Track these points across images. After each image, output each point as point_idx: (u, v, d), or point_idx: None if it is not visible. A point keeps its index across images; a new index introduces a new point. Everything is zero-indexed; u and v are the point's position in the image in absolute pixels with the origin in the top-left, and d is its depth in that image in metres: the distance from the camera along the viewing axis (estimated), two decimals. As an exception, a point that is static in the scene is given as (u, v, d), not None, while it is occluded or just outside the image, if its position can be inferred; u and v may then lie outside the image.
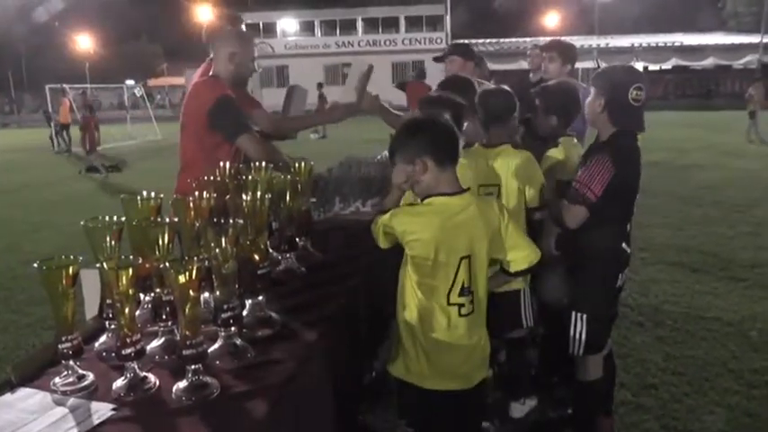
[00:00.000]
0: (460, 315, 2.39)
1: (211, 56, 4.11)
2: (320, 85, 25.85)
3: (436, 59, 5.08)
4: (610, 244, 3.06)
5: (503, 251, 2.44)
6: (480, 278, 2.42)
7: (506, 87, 3.49)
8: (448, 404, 2.49)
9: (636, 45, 40.41)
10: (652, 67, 41.04)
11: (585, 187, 2.87)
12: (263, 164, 2.62)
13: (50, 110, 22.78)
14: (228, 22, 4.18)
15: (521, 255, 2.46)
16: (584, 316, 3.09)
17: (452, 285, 2.37)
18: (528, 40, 42.52)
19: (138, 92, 33.65)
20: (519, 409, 3.69)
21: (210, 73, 3.61)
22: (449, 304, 2.38)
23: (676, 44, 40.41)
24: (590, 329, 3.09)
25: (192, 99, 3.53)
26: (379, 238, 2.53)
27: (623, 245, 3.11)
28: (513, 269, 2.49)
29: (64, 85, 25.27)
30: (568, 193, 2.95)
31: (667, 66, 40.84)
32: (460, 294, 2.38)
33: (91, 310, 2.31)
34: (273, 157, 3.41)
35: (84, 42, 52.69)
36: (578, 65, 5.32)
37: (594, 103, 3.02)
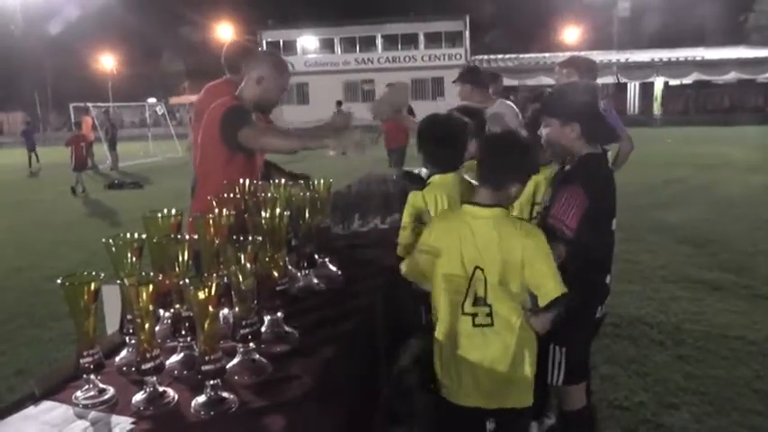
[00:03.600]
0: (474, 325, 2.41)
1: (227, 76, 4.22)
2: (339, 103, 25.99)
3: (455, 82, 5.27)
4: (590, 276, 2.86)
5: (520, 281, 2.39)
6: (497, 294, 2.40)
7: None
8: (476, 422, 2.50)
9: (656, 60, 40.20)
10: (672, 82, 40.80)
11: (561, 222, 2.66)
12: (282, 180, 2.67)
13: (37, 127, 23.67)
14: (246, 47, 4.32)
15: (544, 289, 2.38)
16: (564, 349, 2.91)
17: (466, 294, 2.41)
18: (547, 55, 42.57)
19: (160, 110, 34.02)
20: (537, 429, 3.67)
21: (236, 93, 3.55)
22: (463, 313, 2.43)
23: (697, 58, 40.10)
24: (569, 361, 2.92)
25: (208, 118, 3.54)
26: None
27: (603, 276, 2.98)
28: (540, 303, 2.41)
29: (87, 104, 25.68)
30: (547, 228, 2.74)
31: (688, 80, 40.54)
32: (474, 304, 2.41)
33: (112, 324, 2.33)
34: (278, 139, 3.39)
35: (107, 62, 53.54)
36: (598, 80, 5.32)
37: (566, 131, 2.80)
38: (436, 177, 2.91)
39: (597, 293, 2.97)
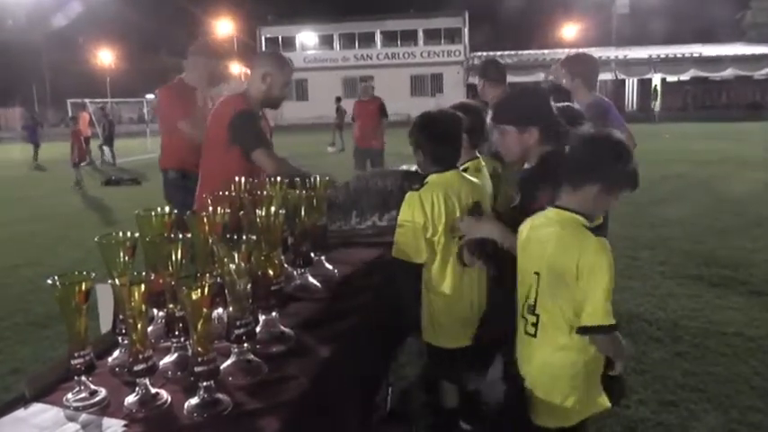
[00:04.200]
0: (525, 333, 2.38)
1: (183, 75, 4.54)
2: (338, 99, 25.96)
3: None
4: None
5: (574, 297, 2.23)
6: (546, 305, 2.31)
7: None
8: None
9: (654, 56, 40.19)
10: (670, 79, 40.86)
11: None
12: (278, 179, 2.65)
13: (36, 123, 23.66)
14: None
15: (585, 311, 2.21)
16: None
17: (526, 298, 2.39)
18: (546, 51, 42.54)
19: (158, 106, 33.92)
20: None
21: (242, 91, 3.75)
22: (522, 316, 2.42)
23: (695, 55, 40.14)
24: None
25: (214, 115, 3.69)
26: None
27: None
28: (581, 323, 2.24)
29: (85, 100, 25.63)
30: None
31: (685, 77, 40.57)
32: (527, 311, 2.38)
33: (106, 324, 2.31)
34: (288, 171, 3.52)
35: (105, 57, 53.38)
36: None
37: (524, 137, 2.69)
38: (434, 177, 2.88)
39: None
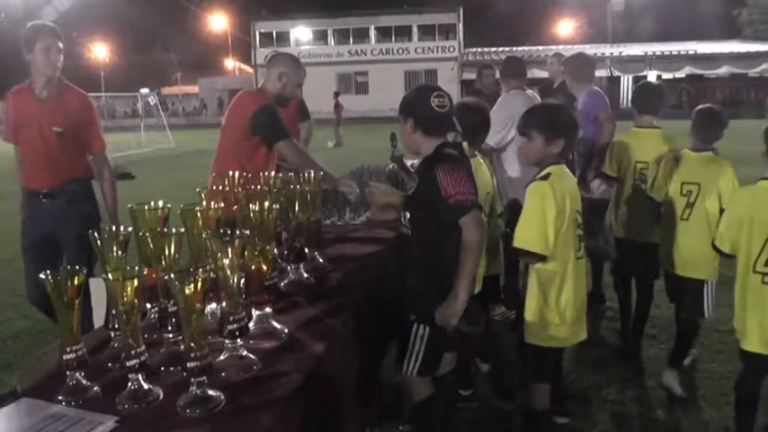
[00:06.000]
0: (763, 283, 2.94)
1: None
2: (336, 94, 26.03)
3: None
4: (455, 249, 2.65)
5: None
6: None
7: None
8: (756, 367, 3.16)
9: (649, 53, 40.28)
10: (665, 76, 40.94)
11: (462, 194, 2.57)
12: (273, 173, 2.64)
13: None
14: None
15: None
16: (427, 328, 2.75)
17: (759, 255, 2.94)
18: (540, 48, 42.56)
19: (152, 100, 33.79)
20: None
21: (260, 87, 4.01)
22: (754, 271, 2.97)
23: (690, 53, 40.25)
24: (429, 346, 2.77)
25: (236, 106, 3.88)
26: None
27: None
28: None
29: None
30: (450, 210, 2.60)
31: (681, 74, 40.68)
32: (766, 264, 2.93)
33: (100, 318, 2.29)
34: (310, 164, 3.67)
35: (99, 52, 53.24)
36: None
37: (407, 128, 2.80)
38: (555, 168, 2.94)
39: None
